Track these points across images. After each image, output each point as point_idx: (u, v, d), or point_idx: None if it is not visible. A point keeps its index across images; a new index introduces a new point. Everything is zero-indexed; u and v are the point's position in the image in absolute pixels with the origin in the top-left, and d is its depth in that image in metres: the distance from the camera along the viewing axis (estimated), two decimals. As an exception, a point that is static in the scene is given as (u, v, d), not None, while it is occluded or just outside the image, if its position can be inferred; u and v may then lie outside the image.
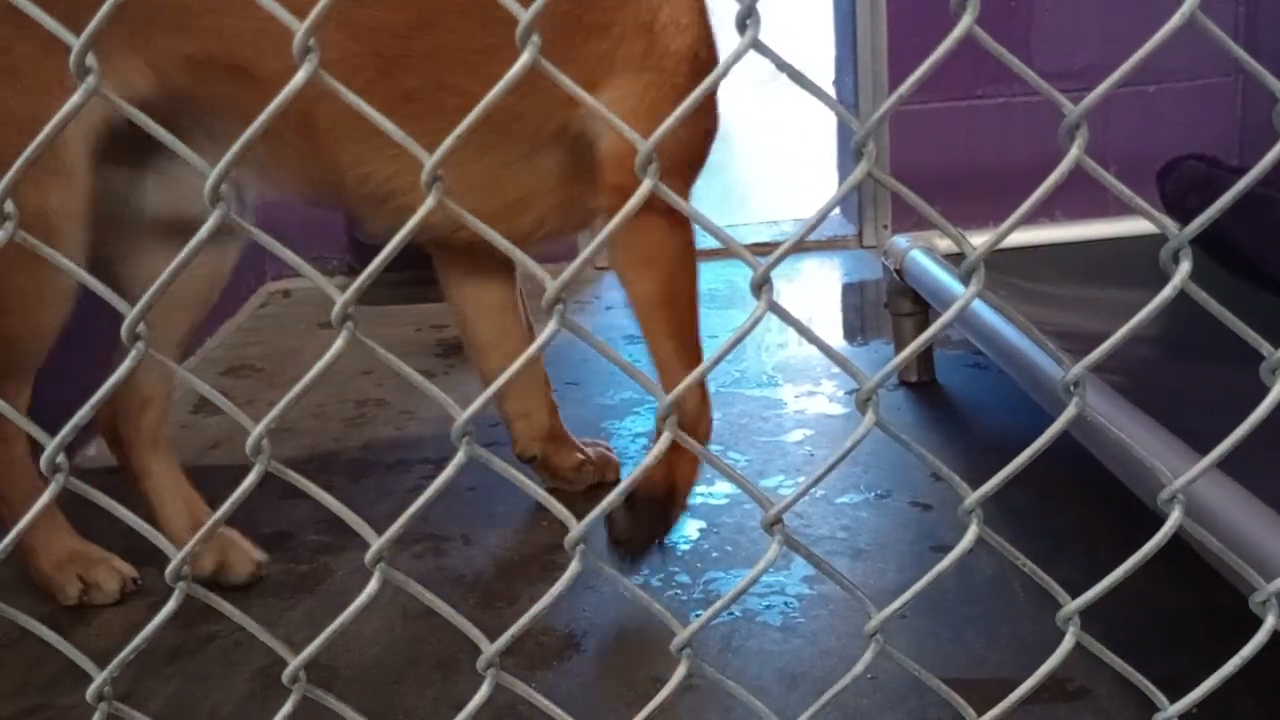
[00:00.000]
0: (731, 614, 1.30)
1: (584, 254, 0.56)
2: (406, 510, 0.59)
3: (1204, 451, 0.62)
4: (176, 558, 0.60)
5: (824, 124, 3.46)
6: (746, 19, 0.53)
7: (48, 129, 0.54)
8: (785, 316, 0.59)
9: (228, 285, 2.39)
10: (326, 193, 1.46)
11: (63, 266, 0.58)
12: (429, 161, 0.53)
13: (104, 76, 0.57)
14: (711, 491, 1.63)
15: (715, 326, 2.44)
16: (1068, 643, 0.65)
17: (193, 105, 1.30)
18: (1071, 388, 0.59)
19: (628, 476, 0.62)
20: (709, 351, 2.26)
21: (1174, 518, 0.62)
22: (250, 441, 0.58)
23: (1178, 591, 1.25)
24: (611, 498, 0.61)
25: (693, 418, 1.41)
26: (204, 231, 0.53)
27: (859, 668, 0.65)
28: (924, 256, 1.85)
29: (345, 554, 1.50)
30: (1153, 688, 0.66)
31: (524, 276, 1.65)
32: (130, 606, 1.42)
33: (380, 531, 0.61)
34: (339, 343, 0.57)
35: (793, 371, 2.09)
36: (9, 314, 1.32)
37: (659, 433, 0.59)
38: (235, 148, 0.53)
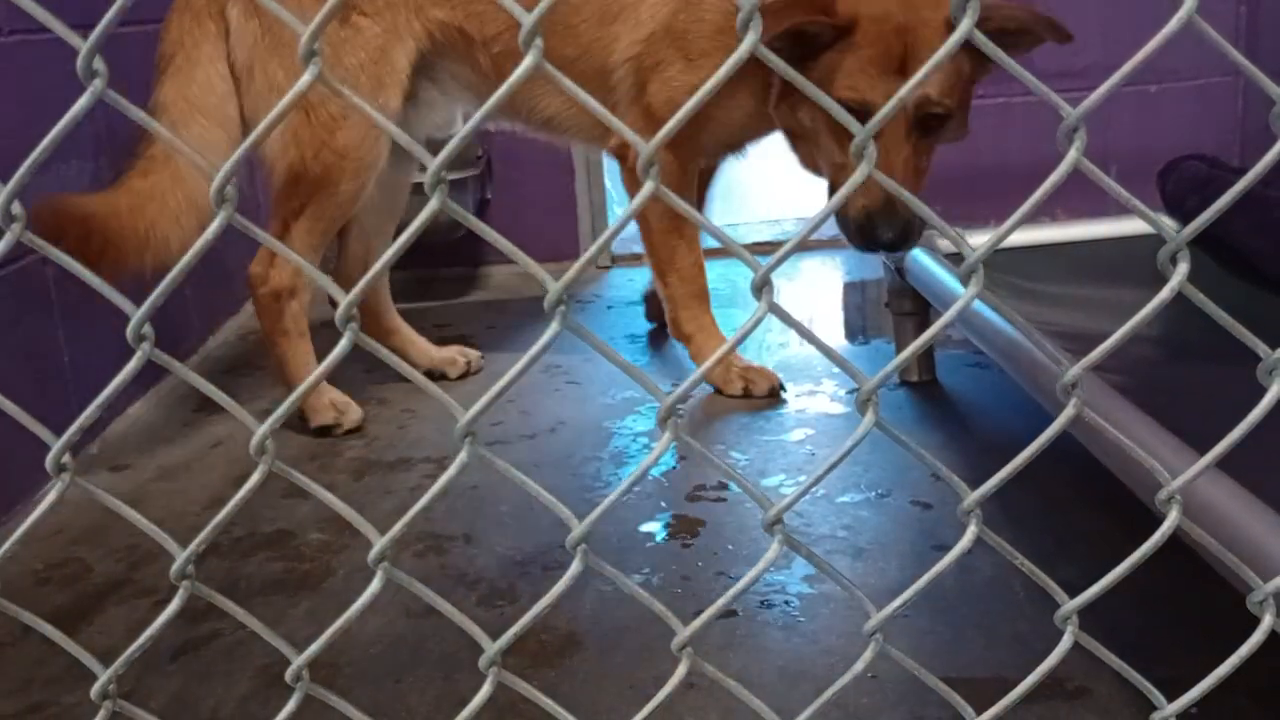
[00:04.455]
0: (733, 612, 1.30)
1: (585, 255, 0.57)
2: (408, 509, 0.59)
3: (1203, 450, 0.63)
4: (181, 557, 0.60)
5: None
6: (748, 23, 0.53)
7: (56, 129, 0.54)
8: (786, 318, 0.59)
9: (230, 285, 2.44)
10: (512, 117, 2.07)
11: (79, 275, 0.59)
12: (432, 164, 0.53)
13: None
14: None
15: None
16: (1066, 642, 0.65)
17: (443, 55, 1.96)
18: (1070, 388, 0.60)
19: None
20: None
21: (1171, 518, 0.62)
22: (254, 442, 0.58)
23: (1177, 589, 1.26)
24: (614, 496, 0.61)
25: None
26: (209, 233, 0.54)
27: (859, 666, 0.65)
28: (925, 256, 1.86)
29: (347, 552, 1.50)
30: (1151, 687, 0.67)
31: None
32: (132, 605, 1.42)
33: (382, 531, 0.61)
34: (343, 343, 0.57)
35: (794, 371, 2.10)
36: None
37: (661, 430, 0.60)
38: (244, 145, 0.53)
